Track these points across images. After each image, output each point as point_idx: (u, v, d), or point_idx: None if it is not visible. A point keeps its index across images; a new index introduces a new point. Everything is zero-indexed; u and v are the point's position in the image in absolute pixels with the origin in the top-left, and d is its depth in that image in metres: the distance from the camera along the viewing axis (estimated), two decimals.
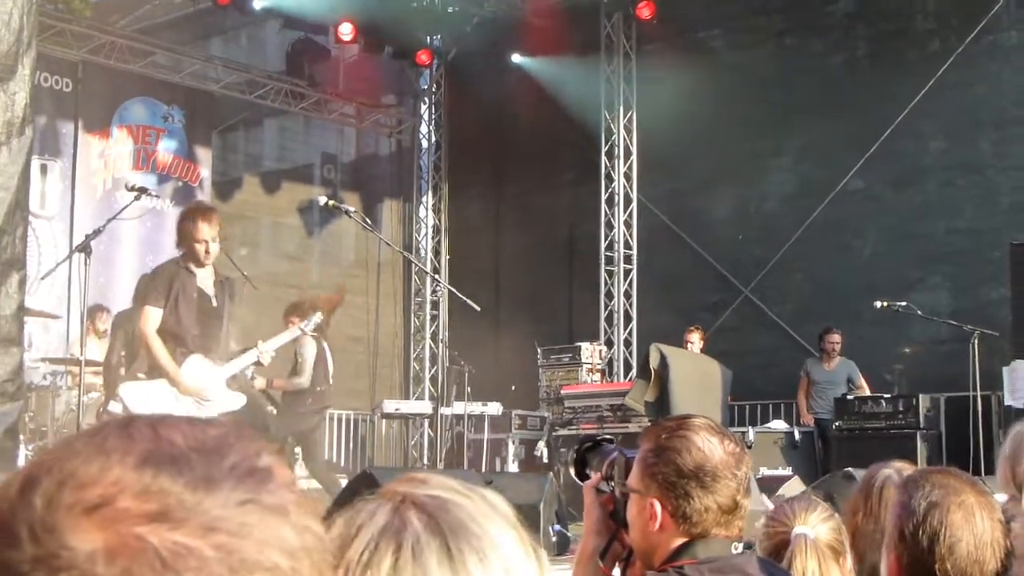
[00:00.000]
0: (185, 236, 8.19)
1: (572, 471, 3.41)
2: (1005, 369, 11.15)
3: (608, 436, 3.44)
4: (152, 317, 8.02)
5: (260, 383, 10.56)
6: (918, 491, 2.90)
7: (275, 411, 11.08)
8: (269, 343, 8.65)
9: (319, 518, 0.94)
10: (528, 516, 8.68)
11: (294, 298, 15.78)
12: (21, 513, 0.85)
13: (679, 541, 2.87)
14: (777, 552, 3.18)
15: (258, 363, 8.58)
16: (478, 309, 9.79)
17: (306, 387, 10.68)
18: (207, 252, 8.16)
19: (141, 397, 8.03)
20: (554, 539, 8.58)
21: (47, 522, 0.84)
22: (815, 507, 3.36)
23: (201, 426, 0.94)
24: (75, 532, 0.84)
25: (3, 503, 0.87)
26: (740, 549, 2.90)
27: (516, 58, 17.64)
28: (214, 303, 8.26)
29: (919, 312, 12.67)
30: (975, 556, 2.79)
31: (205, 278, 8.26)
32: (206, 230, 8.15)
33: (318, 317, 9.29)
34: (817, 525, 3.28)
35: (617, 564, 3.15)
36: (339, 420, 16.52)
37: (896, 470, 3.85)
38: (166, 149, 16.12)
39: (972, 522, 2.83)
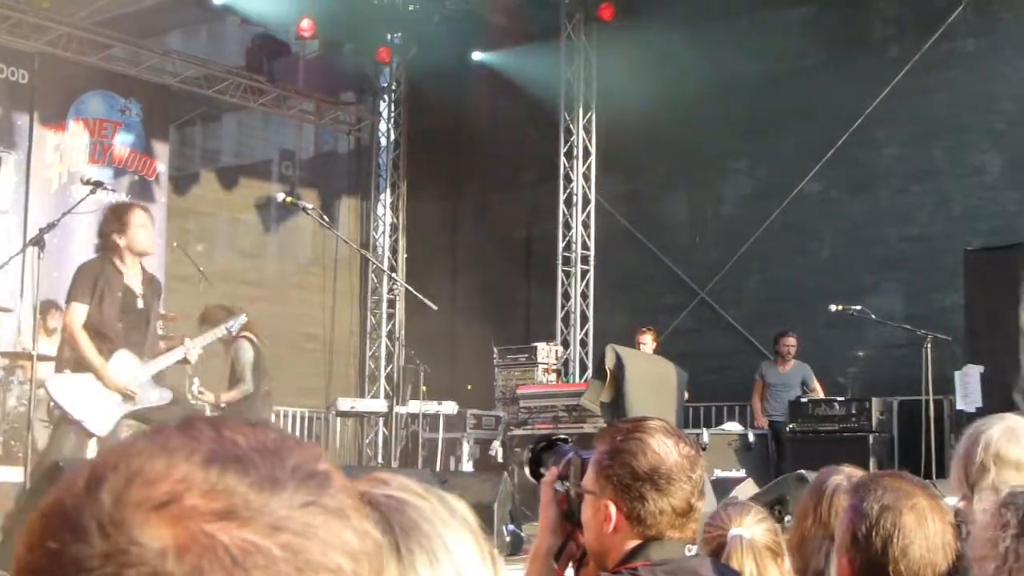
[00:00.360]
0: (110, 234, 8.16)
1: (527, 470, 3.41)
2: (957, 374, 11.24)
3: (564, 436, 3.44)
4: (77, 313, 8.03)
5: (210, 398, 10.44)
6: (870, 494, 2.93)
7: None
8: (196, 341, 8.66)
9: (372, 523, 0.95)
10: (482, 516, 8.71)
11: (249, 293, 15.81)
12: (89, 509, 0.86)
13: (633, 543, 2.88)
14: (715, 556, 3.21)
15: (184, 360, 8.57)
16: (435, 308, 9.80)
17: (252, 392, 10.51)
18: (133, 251, 8.15)
19: (67, 390, 8.04)
20: (507, 539, 8.59)
21: (115, 518, 0.85)
22: (749, 510, 3.41)
23: (260, 429, 0.94)
24: (144, 528, 0.85)
25: (69, 499, 0.88)
26: (694, 551, 2.92)
27: (477, 55, 17.61)
28: (140, 303, 8.25)
29: (873, 316, 12.76)
30: (927, 559, 2.82)
31: (132, 276, 8.23)
32: (130, 233, 8.13)
33: (244, 317, 9.28)
34: (752, 526, 3.33)
35: (571, 564, 3.16)
36: (293, 418, 16.46)
37: (846, 476, 3.90)
38: (123, 143, 15.98)
39: (925, 525, 2.86)
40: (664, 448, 2.89)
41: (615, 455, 2.91)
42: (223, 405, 10.34)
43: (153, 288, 8.43)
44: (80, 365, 8.07)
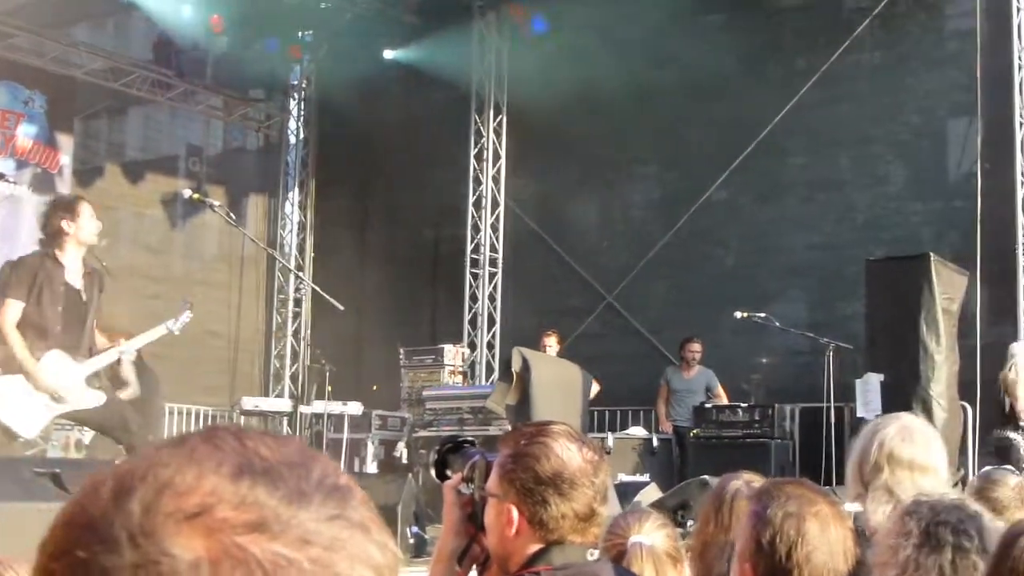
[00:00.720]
0: (54, 227, 7.99)
1: (432, 471, 3.40)
2: (858, 382, 11.38)
3: (470, 438, 3.44)
4: (11, 310, 7.81)
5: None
6: (774, 501, 2.95)
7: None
8: (132, 342, 8.48)
9: (391, 536, 0.95)
10: (386, 517, 8.68)
11: (154, 290, 15.60)
12: (118, 519, 0.85)
13: (535, 547, 2.88)
14: (616, 562, 3.22)
15: (118, 361, 8.39)
16: (341, 308, 9.74)
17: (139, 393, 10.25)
18: (81, 240, 7.99)
19: None
20: (411, 541, 8.58)
21: (146, 528, 0.85)
22: (649, 516, 3.45)
23: (282, 440, 0.95)
24: (176, 539, 0.84)
25: (96, 510, 0.87)
26: (596, 556, 2.92)
27: (388, 54, 17.53)
28: (83, 296, 8.08)
29: (778, 324, 12.91)
30: (830, 564, 2.86)
31: (73, 271, 8.06)
32: (80, 222, 7.97)
33: (187, 316, 9.10)
34: (652, 533, 3.37)
35: (474, 567, 3.15)
36: (196, 416, 16.28)
37: (745, 482, 3.94)
38: (26, 134, 15.70)
39: (827, 531, 2.89)
40: (567, 453, 2.89)
41: (518, 459, 2.92)
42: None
43: (94, 281, 8.25)
44: (9, 365, 7.87)
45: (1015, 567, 2.56)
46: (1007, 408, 11.08)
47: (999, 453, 10.80)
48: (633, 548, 3.33)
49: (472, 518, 3.13)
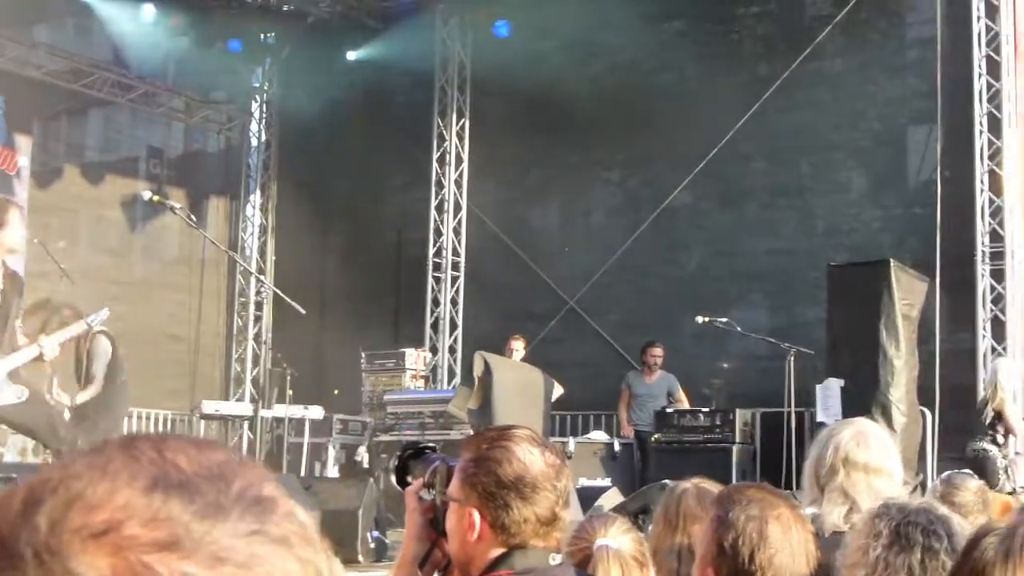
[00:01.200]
0: None
1: (393, 478, 3.39)
2: (818, 387, 11.43)
3: (431, 444, 3.42)
4: None
5: (65, 400, 10.10)
6: (736, 505, 2.96)
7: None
8: (51, 337, 8.44)
9: (318, 550, 0.91)
10: (347, 522, 8.65)
11: (114, 292, 15.48)
12: (24, 534, 0.82)
13: (497, 551, 2.87)
14: (581, 567, 3.22)
15: (40, 357, 8.34)
16: (303, 312, 9.69)
17: (101, 391, 10.15)
18: (4, 247, 7.93)
19: None
20: (372, 545, 8.55)
21: (52, 545, 0.81)
22: (614, 521, 3.45)
23: (205, 449, 0.90)
24: (81, 557, 0.80)
25: (4, 523, 0.83)
26: (558, 560, 2.92)
27: (351, 55, 17.49)
28: (1, 299, 8.02)
29: (739, 329, 12.96)
30: (792, 567, 2.87)
31: None
32: (5, 230, 7.91)
33: (106, 312, 9.05)
34: (618, 537, 3.37)
35: (436, 572, 3.14)
36: (156, 420, 16.18)
37: (694, 484, 3.97)
38: None
39: (789, 534, 2.91)
40: (530, 457, 2.89)
41: (480, 463, 2.91)
42: (78, 403, 10.04)
43: (14, 284, 8.19)
44: None
45: (975, 568, 2.58)
46: (988, 420, 11.19)
47: (975, 464, 10.87)
48: (599, 551, 3.32)
49: (433, 524, 3.12)
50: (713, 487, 3.90)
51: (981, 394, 12.04)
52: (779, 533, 2.90)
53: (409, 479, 3.27)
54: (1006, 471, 10.72)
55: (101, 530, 0.82)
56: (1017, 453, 10.79)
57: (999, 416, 11.16)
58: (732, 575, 2.88)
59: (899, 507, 2.98)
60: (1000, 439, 11.11)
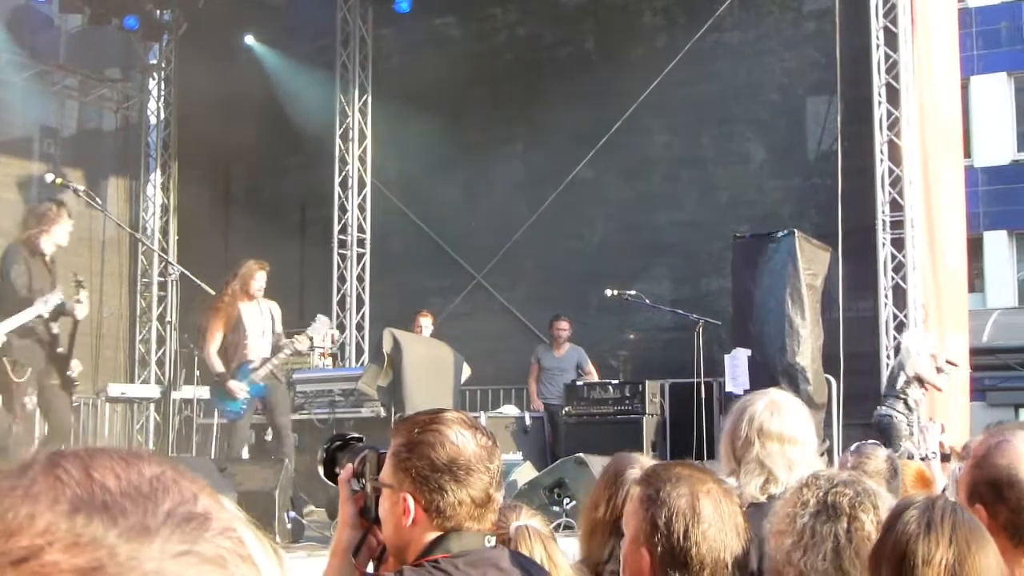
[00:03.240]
0: None
1: (320, 470, 3.37)
2: (726, 357, 11.60)
3: (357, 435, 3.41)
4: None
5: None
6: (666, 483, 3.00)
7: None
8: (3, 325, 8.29)
9: (256, 565, 0.88)
10: (263, 503, 8.58)
11: None
12: None
13: (432, 535, 2.89)
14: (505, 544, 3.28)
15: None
16: (212, 292, 9.60)
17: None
18: None
19: None
20: (289, 526, 8.51)
21: None
22: (519, 507, 3.56)
23: (136, 465, 0.87)
24: None
25: None
26: (493, 543, 2.94)
27: (249, 40, 17.28)
28: None
29: (648, 301, 13.05)
30: (725, 540, 2.92)
31: None
32: None
33: (59, 297, 8.89)
34: (529, 519, 3.44)
35: (371, 561, 3.15)
36: None
37: (641, 467, 3.99)
38: None
39: (720, 508, 2.96)
40: (462, 439, 2.91)
41: (413, 447, 2.92)
42: None
43: None
44: None
45: (898, 540, 2.65)
46: (900, 385, 11.50)
47: (879, 430, 11.17)
48: (520, 531, 3.37)
49: (364, 512, 3.12)
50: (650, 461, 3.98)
51: (890, 363, 12.33)
52: (710, 508, 2.95)
53: (337, 471, 3.26)
54: (911, 435, 11.00)
55: (20, 557, 0.79)
56: (931, 419, 11.09)
57: (919, 380, 11.48)
58: (667, 552, 2.92)
59: (827, 477, 3.05)
60: (912, 403, 11.43)
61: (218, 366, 10.61)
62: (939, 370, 11.87)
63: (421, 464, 2.89)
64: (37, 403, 9.26)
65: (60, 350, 9.11)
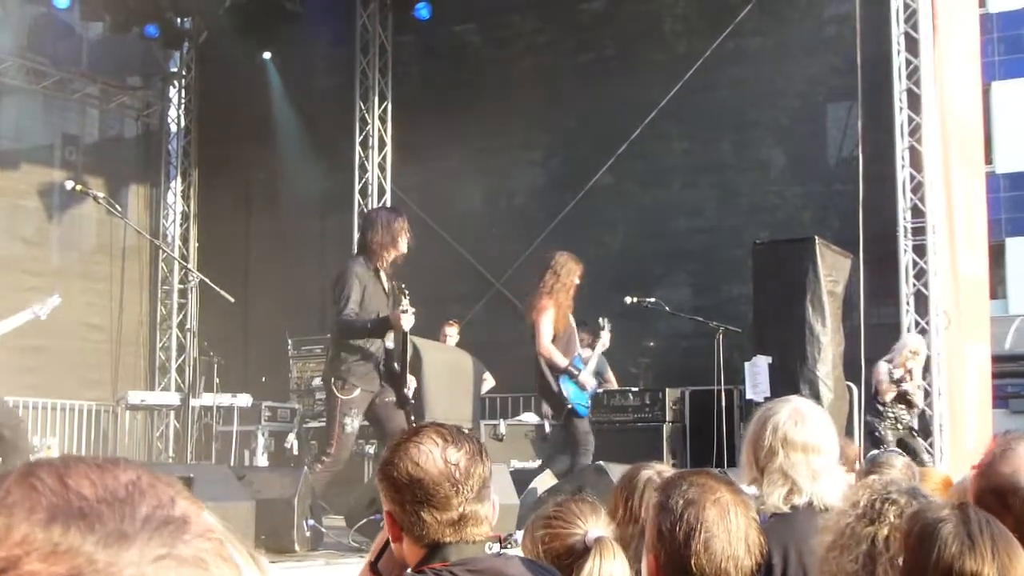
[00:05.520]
0: None
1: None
2: (746, 364, 11.54)
3: None
4: None
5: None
6: (675, 490, 2.98)
7: None
8: (2, 325, 8.30)
9: (235, 565, 0.87)
10: (282, 511, 8.55)
11: (31, 282, 15.23)
12: None
13: (418, 550, 2.92)
14: (563, 556, 3.17)
15: None
16: (232, 300, 9.59)
17: None
18: None
19: None
20: (308, 534, 8.48)
21: None
22: (597, 509, 3.37)
23: (111, 471, 0.87)
24: None
25: None
26: (496, 550, 2.93)
27: (271, 38, 17.30)
28: None
29: (667, 308, 13.00)
30: (729, 552, 2.88)
31: None
32: None
33: (56, 300, 8.89)
34: (605, 528, 3.28)
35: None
36: (78, 412, 15.94)
37: (656, 472, 3.95)
38: None
39: (727, 519, 2.92)
40: (428, 458, 2.90)
41: (383, 467, 2.99)
42: None
43: None
44: None
45: (941, 558, 2.57)
46: (877, 393, 11.59)
47: (869, 438, 11.25)
48: (601, 542, 3.19)
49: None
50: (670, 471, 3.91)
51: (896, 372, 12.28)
52: (715, 517, 2.91)
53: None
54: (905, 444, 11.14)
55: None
56: (918, 387, 11.19)
57: (901, 397, 11.62)
58: (670, 560, 2.90)
59: (884, 483, 3.01)
60: (905, 416, 11.54)
61: (562, 360, 10.45)
62: (899, 381, 11.84)
63: (386, 484, 2.95)
64: (369, 421, 9.29)
65: (395, 367, 9.13)
